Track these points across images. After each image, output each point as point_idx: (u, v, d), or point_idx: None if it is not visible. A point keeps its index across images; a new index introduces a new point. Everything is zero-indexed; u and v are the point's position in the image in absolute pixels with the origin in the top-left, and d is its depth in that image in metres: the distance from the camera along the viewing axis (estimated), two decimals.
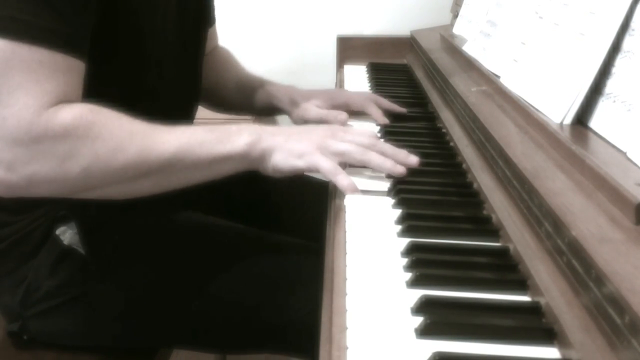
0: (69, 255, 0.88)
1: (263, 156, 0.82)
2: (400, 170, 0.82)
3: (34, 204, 0.88)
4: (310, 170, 0.83)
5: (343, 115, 1.05)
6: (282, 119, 1.42)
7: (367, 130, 0.88)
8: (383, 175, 0.84)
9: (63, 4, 0.73)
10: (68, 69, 0.75)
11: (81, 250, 0.87)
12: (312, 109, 1.09)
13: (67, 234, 0.88)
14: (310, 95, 1.14)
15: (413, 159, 0.84)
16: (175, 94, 0.97)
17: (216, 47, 1.25)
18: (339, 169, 0.81)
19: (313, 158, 0.81)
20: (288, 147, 0.82)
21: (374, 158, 0.83)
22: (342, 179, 0.80)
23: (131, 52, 0.86)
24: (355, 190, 0.79)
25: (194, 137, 0.80)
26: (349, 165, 0.85)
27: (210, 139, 0.80)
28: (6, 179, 0.73)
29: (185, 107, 1.04)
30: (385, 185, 0.81)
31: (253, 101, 1.18)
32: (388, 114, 1.11)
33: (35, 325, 0.91)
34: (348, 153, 0.82)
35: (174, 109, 0.95)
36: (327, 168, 0.80)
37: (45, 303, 0.89)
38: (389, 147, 0.85)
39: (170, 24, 0.94)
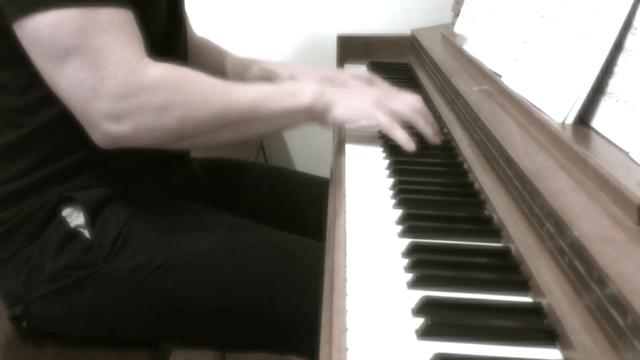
0: (74, 238, 0.88)
1: (325, 109, 0.91)
2: (437, 140, 0.94)
3: (38, 186, 0.88)
4: (368, 123, 0.93)
5: None
6: None
7: (414, 95, 0.98)
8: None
9: None
10: (129, 20, 0.81)
11: (87, 233, 0.88)
12: None
13: (73, 216, 0.88)
14: (309, 73, 1.17)
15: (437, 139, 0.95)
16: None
17: (200, 39, 1.23)
18: (395, 124, 0.91)
19: (372, 112, 0.92)
20: (349, 102, 0.92)
21: (421, 122, 0.94)
22: (398, 133, 0.90)
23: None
24: (410, 144, 0.89)
25: (265, 92, 0.89)
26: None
27: (279, 93, 0.89)
28: (116, 130, 0.80)
29: None
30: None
31: (246, 80, 1.18)
32: None
33: (37, 309, 0.91)
34: (401, 112, 0.93)
35: None
36: (384, 121, 0.91)
37: (49, 285, 0.89)
38: (430, 116, 0.96)
39: None
